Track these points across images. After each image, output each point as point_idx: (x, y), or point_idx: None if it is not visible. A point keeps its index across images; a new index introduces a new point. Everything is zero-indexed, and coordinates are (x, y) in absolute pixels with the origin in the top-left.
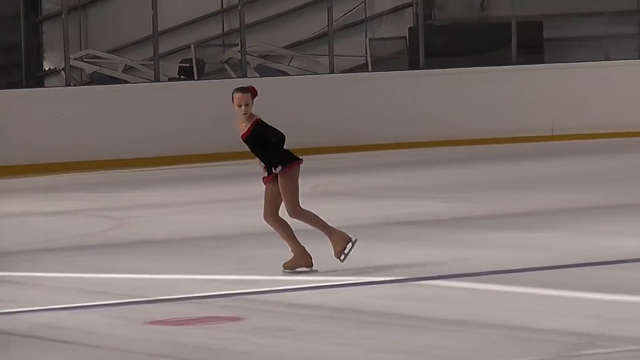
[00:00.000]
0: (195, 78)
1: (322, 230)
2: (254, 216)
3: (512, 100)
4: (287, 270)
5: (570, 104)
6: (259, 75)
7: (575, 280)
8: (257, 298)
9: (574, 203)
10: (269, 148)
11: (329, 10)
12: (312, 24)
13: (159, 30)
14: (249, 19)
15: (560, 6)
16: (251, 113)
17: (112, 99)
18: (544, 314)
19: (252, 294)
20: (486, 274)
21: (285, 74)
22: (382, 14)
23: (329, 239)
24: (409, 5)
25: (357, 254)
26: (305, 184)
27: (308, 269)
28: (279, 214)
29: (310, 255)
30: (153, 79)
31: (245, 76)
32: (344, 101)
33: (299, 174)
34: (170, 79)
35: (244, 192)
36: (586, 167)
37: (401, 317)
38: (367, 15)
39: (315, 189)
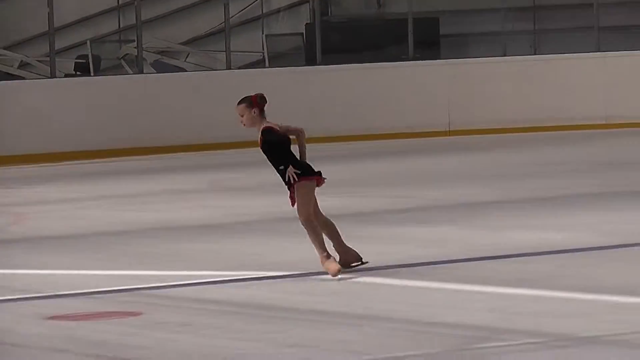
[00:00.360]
0: (92, 74)
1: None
2: (156, 211)
3: (408, 96)
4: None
5: (466, 99)
6: (155, 71)
7: (473, 274)
8: (157, 293)
9: (471, 198)
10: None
11: (226, 6)
12: (209, 20)
13: (55, 26)
14: (146, 15)
15: (456, 2)
16: (260, 122)
17: (7, 95)
18: (443, 307)
19: (152, 289)
20: (387, 268)
21: (181, 70)
22: (278, 10)
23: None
24: (306, 1)
25: (260, 249)
26: (203, 179)
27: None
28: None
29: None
30: (49, 75)
31: (142, 72)
32: (240, 97)
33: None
34: (67, 75)
35: (145, 187)
36: (482, 162)
37: (302, 312)
38: (264, 12)
39: (214, 184)
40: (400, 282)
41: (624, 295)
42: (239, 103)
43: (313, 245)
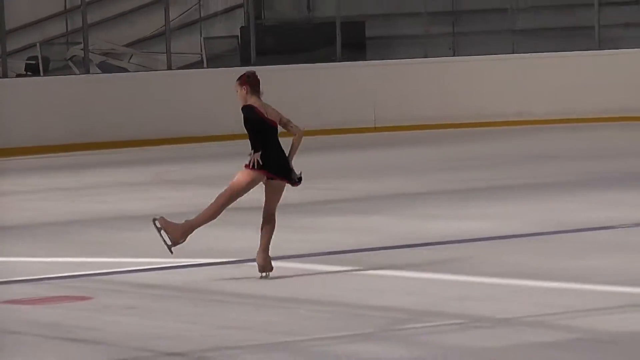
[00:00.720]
0: (41, 74)
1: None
2: (106, 203)
3: (337, 95)
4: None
5: (391, 97)
6: (100, 72)
7: (399, 260)
8: (104, 279)
9: (397, 189)
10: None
11: (166, 10)
12: (151, 24)
13: (6, 29)
14: (92, 18)
15: (381, 7)
16: (247, 99)
17: None
18: (372, 291)
19: (101, 275)
20: (318, 255)
21: (125, 70)
22: (215, 14)
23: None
24: (240, 6)
25: (198, 238)
26: (146, 172)
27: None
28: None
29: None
30: (1, 75)
31: (88, 72)
32: (180, 96)
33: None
34: (18, 75)
35: (94, 180)
36: (406, 156)
37: (240, 296)
38: (202, 16)
39: (157, 177)
40: (330, 268)
41: (541, 280)
42: (236, 80)
43: (261, 236)
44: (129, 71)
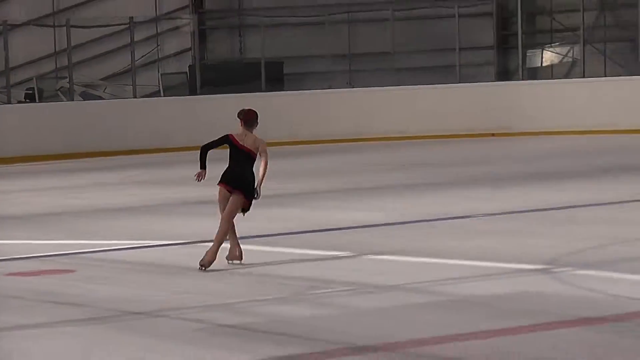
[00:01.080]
0: (37, 101)
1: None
2: (88, 199)
3: (261, 118)
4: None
5: (303, 119)
6: (82, 100)
7: (308, 241)
8: (85, 256)
9: (310, 188)
10: None
11: (132, 52)
12: (120, 62)
13: (10, 66)
14: (75, 58)
15: (295, 50)
16: (240, 129)
17: None
18: (287, 265)
19: (83, 254)
20: (247, 238)
21: (101, 98)
22: (169, 56)
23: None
24: (189, 49)
25: (161, 225)
26: (118, 175)
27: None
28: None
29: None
30: (6, 102)
31: (72, 100)
32: (143, 118)
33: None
34: (19, 102)
35: (75, 182)
36: (314, 164)
37: (191, 269)
38: (159, 57)
39: (127, 178)
40: (257, 248)
41: (416, 257)
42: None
43: (218, 233)
44: (104, 99)
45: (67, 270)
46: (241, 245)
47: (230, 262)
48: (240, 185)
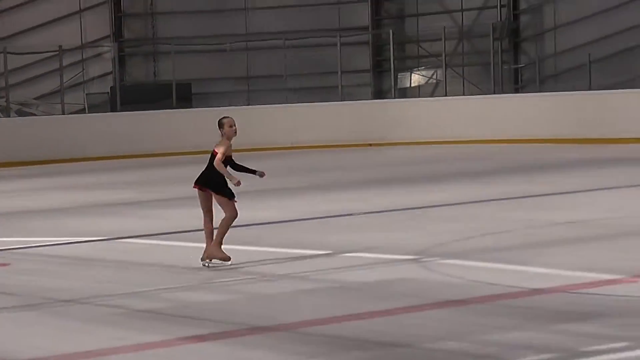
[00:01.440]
0: None
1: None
2: (17, 201)
3: (173, 131)
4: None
5: (208, 133)
6: (17, 116)
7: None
8: (21, 251)
9: None
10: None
11: (61, 75)
12: (51, 84)
13: None
14: (11, 81)
15: (202, 73)
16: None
17: None
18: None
19: (17, 249)
20: (165, 234)
21: (34, 115)
22: (93, 78)
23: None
24: (110, 72)
25: (91, 224)
26: (48, 181)
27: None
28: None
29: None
30: None
31: (9, 116)
32: (72, 132)
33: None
34: None
35: (9, 186)
36: None
37: (115, 262)
38: (85, 79)
39: (54, 183)
40: (170, 243)
41: (305, 249)
42: None
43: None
44: (37, 115)
45: (2, 263)
46: (157, 242)
47: (205, 263)
48: (205, 184)
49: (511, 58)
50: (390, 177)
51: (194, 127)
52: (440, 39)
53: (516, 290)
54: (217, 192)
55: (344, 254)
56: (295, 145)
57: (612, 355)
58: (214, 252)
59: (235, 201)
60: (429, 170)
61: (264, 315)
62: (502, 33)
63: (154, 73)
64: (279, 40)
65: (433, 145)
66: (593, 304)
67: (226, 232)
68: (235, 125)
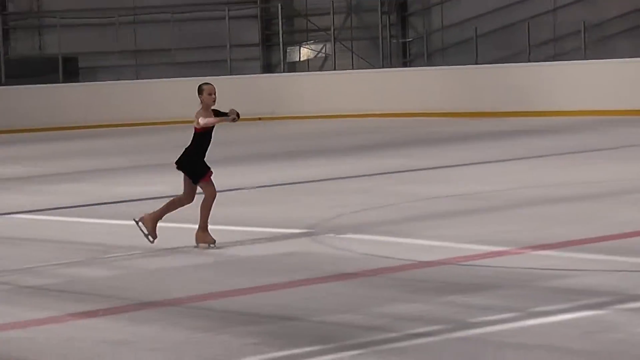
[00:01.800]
0: None
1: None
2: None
3: (60, 105)
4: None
5: (95, 107)
6: None
7: (100, 213)
8: None
9: (100, 165)
10: None
11: None
12: None
13: None
14: None
15: (89, 47)
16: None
17: None
18: (83, 232)
19: None
20: (53, 209)
21: None
22: None
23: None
24: None
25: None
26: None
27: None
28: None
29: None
30: None
31: None
32: None
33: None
34: None
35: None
36: (112, 145)
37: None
38: None
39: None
40: (56, 218)
41: (195, 224)
42: None
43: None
44: None
45: None
46: (36, 217)
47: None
48: (178, 165)
49: (399, 32)
50: (280, 151)
51: (80, 101)
52: (329, 13)
53: (405, 262)
54: (190, 176)
55: (236, 228)
56: (184, 119)
57: (500, 326)
58: (199, 237)
59: (211, 173)
60: (318, 144)
61: (156, 290)
62: (390, 7)
63: (40, 47)
64: (167, 14)
65: (322, 119)
66: (481, 275)
67: (208, 213)
68: (215, 94)
